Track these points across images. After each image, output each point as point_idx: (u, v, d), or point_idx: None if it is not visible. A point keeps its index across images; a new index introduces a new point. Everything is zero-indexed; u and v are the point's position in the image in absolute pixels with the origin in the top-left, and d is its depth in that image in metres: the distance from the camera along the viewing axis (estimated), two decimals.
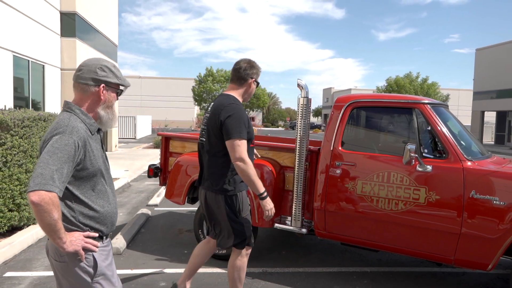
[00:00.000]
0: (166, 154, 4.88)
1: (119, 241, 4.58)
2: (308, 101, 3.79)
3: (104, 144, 2.04)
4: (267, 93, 49.13)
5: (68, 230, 1.69)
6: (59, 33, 10.93)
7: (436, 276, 4.04)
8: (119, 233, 4.88)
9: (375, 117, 3.76)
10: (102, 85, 1.82)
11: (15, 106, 8.58)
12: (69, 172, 1.65)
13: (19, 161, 4.52)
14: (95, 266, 1.77)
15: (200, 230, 4.33)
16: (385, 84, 35.76)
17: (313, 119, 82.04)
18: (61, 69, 11.08)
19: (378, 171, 3.43)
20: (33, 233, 4.72)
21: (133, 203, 7.07)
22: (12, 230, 4.74)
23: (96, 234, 1.78)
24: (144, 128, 28.93)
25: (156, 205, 6.79)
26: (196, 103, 35.42)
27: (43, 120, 4.88)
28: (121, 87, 1.92)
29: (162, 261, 4.21)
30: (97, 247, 1.77)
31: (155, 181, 9.15)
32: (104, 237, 1.85)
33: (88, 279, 1.76)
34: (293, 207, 3.84)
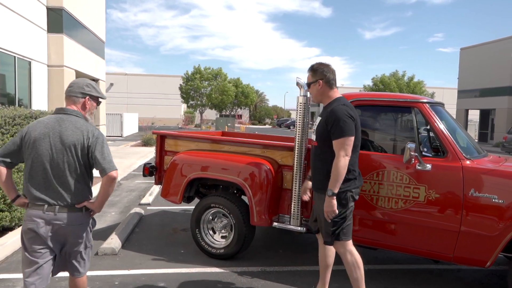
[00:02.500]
0: (161, 153, 4.82)
1: (114, 241, 4.51)
2: (307, 99, 3.78)
3: None
4: (255, 91, 49.07)
5: (84, 197, 2.46)
6: (46, 29, 10.70)
7: (432, 273, 4.09)
8: (113, 233, 4.81)
9: (375, 116, 3.79)
10: (87, 97, 2.51)
11: (0, 104, 8.39)
12: None
13: None
14: (94, 222, 2.61)
15: (197, 229, 4.30)
16: (372, 83, 36.11)
17: None
18: (48, 66, 10.86)
19: (377, 169, 3.44)
20: None
21: (125, 202, 6.99)
22: (3, 230, 4.63)
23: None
24: (131, 126, 28.62)
25: (148, 204, 6.72)
26: (184, 100, 35.13)
27: (34, 118, 4.76)
28: (100, 99, 2.62)
29: (160, 261, 4.17)
30: None
31: (146, 180, 9.06)
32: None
33: (90, 231, 2.57)
34: (292, 205, 3.83)
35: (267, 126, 61.47)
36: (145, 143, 17.29)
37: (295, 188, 3.80)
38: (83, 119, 2.47)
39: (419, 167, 3.27)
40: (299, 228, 3.84)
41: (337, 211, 2.87)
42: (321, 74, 3.03)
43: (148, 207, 6.52)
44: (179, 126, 43.26)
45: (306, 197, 3.44)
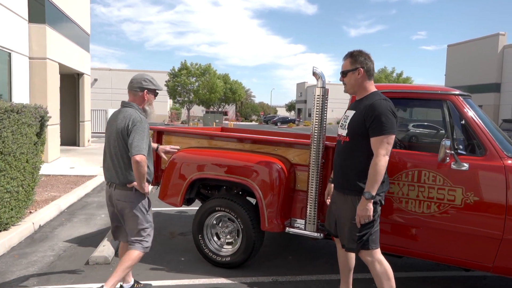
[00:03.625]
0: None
1: (106, 249, 4.06)
2: (325, 91, 3.41)
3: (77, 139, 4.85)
4: (243, 87, 48.58)
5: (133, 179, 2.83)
6: (27, 18, 10.05)
7: (455, 280, 3.78)
8: (105, 238, 4.36)
9: (401, 110, 3.43)
10: (145, 91, 2.95)
11: None
12: (148, 143, 2.80)
13: None
14: (149, 204, 3.03)
15: (200, 235, 3.89)
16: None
17: (287, 114, 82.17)
18: (30, 58, 10.20)
19: (406, 169, 3.09)
20: (4, 241, 4.13)
21: None
22: None
23: (149, 183, 2.94)
24: None
25: None
26: (171, 97, 34.37)
27: (16, 112, 4.27)
28: (157, 91, 3.06)
29: (159, 271, 3.75)
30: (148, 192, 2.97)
31: None
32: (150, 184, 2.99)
33: (145, 211, 2.98)
34: (308, 209, 3.46)
35: (253, 122, 61.06)
36: None
37: (312, 190, 3.43)
38: (134, 109, 2.89)
39: (454, 167, 2.93)
40: (315, 234, 3.47)
41: (372, 216, 2.57)
42: (361, 62, 2.73)
43: None
44: (165, 123, 42.52)
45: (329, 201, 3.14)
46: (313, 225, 3.47)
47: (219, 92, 32.80)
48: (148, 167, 2.84)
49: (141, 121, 2.79)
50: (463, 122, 3.03)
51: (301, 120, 60.32)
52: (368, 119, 2.59)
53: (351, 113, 2.79)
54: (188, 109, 34.37)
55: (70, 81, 14.47)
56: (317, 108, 3.40)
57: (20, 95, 9.75)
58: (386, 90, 3.25)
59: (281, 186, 3.54)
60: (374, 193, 2.53)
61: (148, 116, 2.98)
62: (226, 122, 36.79)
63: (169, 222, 5.38)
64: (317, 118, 3.40)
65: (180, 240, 4.66)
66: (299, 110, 74.26)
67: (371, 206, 2.55)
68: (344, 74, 2.80)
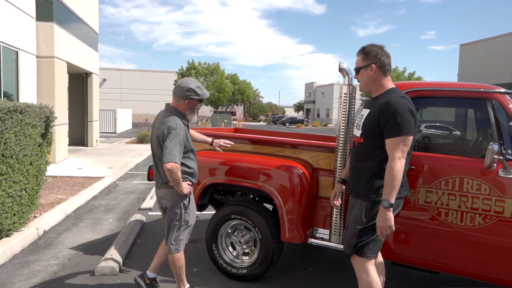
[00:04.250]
0: None
1: (113, 258, 3.79)
2: (352, 89, 3.10)
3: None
4: (251, 87, 48.28)
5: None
6: (35, 16, 9.86)
7: None
8: (112, 246, 4.10)
9: (439, 110, 3.11)
10: (187, 100, 2.97)
11: None
12: (182, 149, 2.86)
13: None
14: (188, 202, 3.02)
15: (214, 245, 3.61)
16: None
17: (295, 114, 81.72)
18: (37, 57, 10.02)
19: (446, 176, 2.77)
20: (6, 249, 3.89)
21: (123, 206, 6.26)
22: None
23: (190, 183, 3.00)
24: (124, 122, 27.73)
25: (150, 209, 6.00)
26: None
27: (19, 112, 4.03)
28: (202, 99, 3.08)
29: (170, 284, 3.47)
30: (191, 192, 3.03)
31: (144, 180, 8.33)
32: (192, 185, 3.05)
33: (183, 210, 3.00)
34: (333, 218, 3.16)
35: (261, 123, 60.74)
36: (141, 140, 16.53)
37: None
38: (173, 115, 2.94)
39: (502, 174, 2.61)
40: (341, 246, 3.16)
41: (393, 227, 2.29)
42: (374, 57, 2.45)
43: (149, 213, 5.81)
44: None
45: (338, 202, 2.89)
46: (338, 236, 3.17)
47: (227, 92, 32.48)
48: (190, 167, 3.00)
49: (176, 128, 2.84)
50: (511, 123, 2.70)
51: (309, 121, 59.87)
52: (382, 118, 2.33)
53: (366, 112, 2.52)
54: (197, 109, 34.14)
55: (79, 81, 14.30)
56: (343, 108, 3.10)
57: (28, 95, 9.57)
58: (418, 89, 2.94)
59: (303, 192, 3.24)
60: (392, 201, 2.25)
61: (191, 119, 3.08)
62: (235, 122, 36.51)
63: None
64: (343, 118, 3.09)
65: (192, 248, 4.38)
66: (308, 111, 73.81)
67: (391, 215, 2.26)
68: (357, 71, 2.55)
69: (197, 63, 33.52)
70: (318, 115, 68.42)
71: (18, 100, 9.15)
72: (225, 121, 31.19)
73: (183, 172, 2.93)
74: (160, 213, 5.77)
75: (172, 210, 3.01)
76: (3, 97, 8.56)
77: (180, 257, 3.08)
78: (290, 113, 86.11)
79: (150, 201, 6.26)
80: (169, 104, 3.05)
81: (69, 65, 11.60)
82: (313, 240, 3.28)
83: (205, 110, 50.67)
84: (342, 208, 3.11)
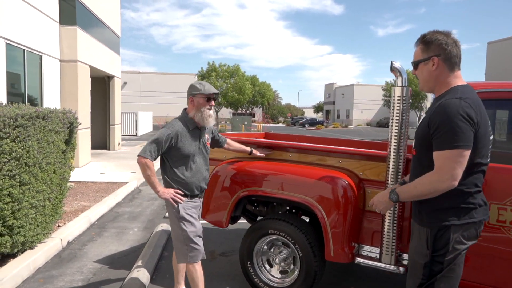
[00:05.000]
0: None
1: (141, 274, 3.55)
2: (407, 91, 2.76)
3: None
4: (271, 89, 47.96)
5: (167, 186, 2.86)
6: (58, 20, 9.83)
7: None
8: (139, 260, 3.86)
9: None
10: (190, 97, 2.91)
11: (8, 102, 7.53)
12: (160, 149, 2.75)
13: (11, 171, 3.47)
14: (178, 211, 2.83)
15: (249, 262, 3.31)
16: (395, 79, 34.61)
17: (314, 115, 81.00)
18: (61, 61, 9.98)
19: None
20: (29, 263, 3.69)
21: (148, 214, 6.04)
22: (3, 258, 3.72)
23: (182, 193, 2.84)
24: (145, 125, 27.85)
25: None
26: None
27: (41, 118, 3.84)
28: (207, 95, 2.88)
29: None
30: (182, 200, 2.83)
31: None
32: (190, 196, 2.89)
33: (176, 218, 2.85)
34: (384, 236, 2.82)
35: (280, 124, 60.36)
36: None
37: (389, 212, 2.78)
38: (180, 116, 2.92)
39: None
40: (393, 268, 2.82)
41: (385, 211, 2.17)
42: (438, 47, 1.96)
43: None
44: None
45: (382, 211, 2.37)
46: (390, 256, 2.82)
47: (248, 94, 32.25)
48: (179, 176, 2.82)
49: (164, 127, 2.81)
50: None
51: (329, 122, 59.13)
52: (432, 126, 1.86)
53: (423, 117, 2.09)
54: (217, 111, 34.03)
55: (101, 84, 14.30)
56: (397, 112, 2.75)
57: (51, 99, 9.52)
58: (494, 89, 2.57)
59: (349, 206, 2.91)
60: (401, 198, 2.00)
61: (201, 123, 2.89)
62: (255, 124, 36.25)
63: (207, 238, 4.82)
64: (396, 124, 2.75)
65: (222, 263, 4.10)
66: (327, 112, 73.01)
67: (388, 205, 2.11)
68: (415, 65, 2.08)
69: (218, 65, 33.41)
70: (338, 116, 67.57)
71: (42, 104, 9.10)
72: (245, 123, 30.98)
73: (172, 180, 2.84)
74: None
75: (170, 216, 2.92)
76: (27, 101, 8.51)
77: (190, 269, 2.93)
78: (309, 114, 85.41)
79: None
80: (185, 109, 3.00)
81: (92, 69, 11.56)
82: (361, 260, 2.95)
83: (225, 113, 50.63)
84: (395, 223, 2.77)
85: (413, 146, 2.11)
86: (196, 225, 2.88)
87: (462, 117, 1.77)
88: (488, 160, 1.93)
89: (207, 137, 3.03)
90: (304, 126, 49.33)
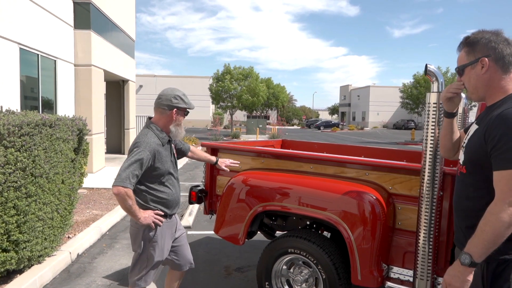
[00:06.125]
0: (212, 172, 3.62)
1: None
2: None
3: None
4: (285, 91, 47.68)
5: (143, 208, 2.51)
6: (72, 24, 9.78)
7: None
8: None
9: None
10: (175, 109, 2.61)
11: (23, 108, 7.46)
12: (140, 174, 2.43)
13: (16, 182, 3.30)
14: (154, 234, 2.56)
15: (267, 283, 3.06)
16: (412, 80, 34.03)
17: (329, 117, 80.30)
18: (75, 65, 9.93)
19: None
20: (36, 279, 3.51)
21: None
22: (9, 274, 3.55)
23: (162, 213, 2.58)
24: None
25: (189, 227, 5.55)
26: (214, 101, 34.04)
27: (48, 126, 3.66)
28: (188, 110, 2.70)
29: None
30: (162, 222, 2.57)
31: (182, 193, 7.94)
32: (169, 216, 2.66)
33: (147, 242, 2.56)
34: (418, 259, 2.53)
35: (295, 126, 59.96)
36: None
37: (424, 232, 2.50)
38: (151, 130, 2.58)
39: None
40: None
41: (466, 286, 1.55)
42: (485, 47, 1.68)
43: (189, 232, 5.35)
44: (208, 128, 42.49)
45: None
46: (426, 281, 2.53)
47: (262, 96, 32.04)
48: (159, 196, 2.57)
49: (140, 146, 2.44)
50: None
51: (345, 124, 58.48)
52: (490, 140, 1.57)
53: (474, 129, 1.77)
54: (231, 114, 33.85)
55: (115, 88, 14.26)
56: (432, 121, 2.46)
57: (65, 103, 9.46)
58: None
59: (378, 224, 2.64)
60: (477, 259, 1.52)
61: (174, 137, 2.69)
62: (270, 127, 36.01)
63: (222, 252, 4.60)
64: (432, 134, 2.47)
65: (238, 279, 3.85)
66: (343, 114, 72.27)
67: (469, 277, 1.55)
68: (460, 71, 1.80)
69: (232, 68, 33.33)
70: (353, 118, 66.79)
71: (56, 109, 9.04)
72: (260, 126, 30.76)
73: (152, 200, 2.54)
74: (200, 232, 5.36)
75: (133, 240, 2.61)
76: (42, 106, 8.45)
77: None
78: (324, 116, 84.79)
79: (189, 219, 5.81)
80: (150, 118, 2.67)
81: (106, 73, 11.49)
82: (391, 285, 2.67)
83: (239, 115, 50.53)
84: (431, 243, 2.48)
85: (461, 163, 1.82)
86: (164, 252, 2.64)
87: None
88: None
89: (174, 147, 2.81)
90: (319, 129, 48.83)
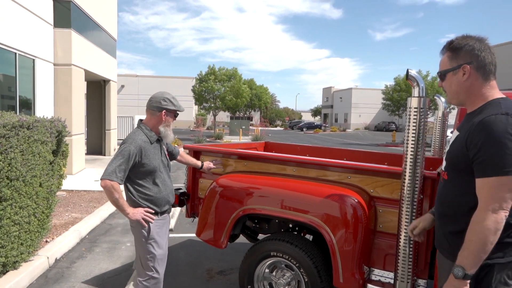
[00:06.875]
0: (194, 175, 3.59)
1: None
2: (425, 102, 2.50)
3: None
4: (268, 92, 47.78)
5: (134, 206, 2.63)
6: (52, 23, 9.57)
7: None
8: (130, 283, 3.59)
9: None
10: (164, 111, 2.71)
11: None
12: (127, 168, 2.54)
13: None
14: (148, 232, 2.66)
15: (250, 287, 3.05)
16: (393, 84, 34.57)
17: (312, 119, 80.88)
18: (55, 64, 9.71)
19: None
20: (11, 286, 3.40)
21: None
22: None
23: (152, 211, 2.66)
24: None
25: (171, 230, 5.48)
26: (197, 102, 33.81)
27: (26, 128, 3.56)
28: (178, 112, 2.81)
29: None
30: (153, 219, 2.66)
31: None
32: (159, 213, 2.73)
33: (144, 240, 2.66)
34: (399, 260, 2.56)
35: (278, 128, 60.13)
36: None
37: (404, 233, 2.53)
38: (141, 130, 2.69)
39: None
40: None
41: None
42: (468, 54, 1.69)
43: (171, 235, 5.28)
44: (191, 129, 42.20)
45: (420, 238, 2.19)
46: (406, 283, 2.56)
47: (245, 97, 31.99)
48: (147, 193, 2.65)
49: (127, 142, 2.58)
50: None
51: (327, 126, 58.98)
52: (472, 147, 1.59)
53: (455, 135, 1.81)
54: (214, 115, 33.69)
55: (96, 88, 14.02)
56: (413, 125, 2.50)
57: (44, 103, 9.25)
58: None
59: (359, 227, 2.66)
60: (470, 270, 1.53)
61: (164, 138, 2.78)
62: (253, 128, 35.99)
63: (204, 255, 4.57)
64: (413, 138, 2.50)
65: (221, 283, 3.83)
66: (325, 115, 72.88)
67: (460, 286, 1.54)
68: (442, 76, 1.81)
69: (217, 69, 33.18)
70: (336, 120, 67.42)
71: (34, 110, 8.83)
72: (243, 127, 30.73)
73: (141, 197, 2.65)
74: (182, 235, 5.31)
75: (135, 237, 2.73)
76: (19, 106, 8.24)
77: None
78: (307, 118, 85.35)
79: (171, 221, 5.74)
80: (141, 120, 2.80)
81: (87, 73, 11.29)
82: (373, 287, 2.69)
83: (223, 116, 50.37)
84: (411, 246, 2.51)
85: (443, 169, 1.84)
86: (163, 248, 2.75)
87: (511, 136, 1.49)
88: None
89: (165, 149, 2.92)
90: (302, 130, 49.11)
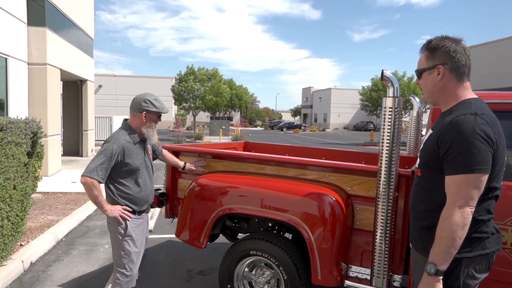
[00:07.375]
0: (174, 175, 3.57)
1: None
2: (399, 102, 2.57)
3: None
4: (248, 92, 47.83)
5: (113, 204, 2.66)
6: (26, 21, 9.32)
7: None
8: (109, 283, 3.54)
9: None
10: (144, 112, 2.70)
11: None
12: (108, 166, 2.56)
13: None
14: (125, 229, 2.68)
15: (229, 286, 3.06)
16: (370, 84, 35.11)
17: (292, 119, 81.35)
18: (29, 64, 9.46)
19: None
20: None
21: None
22: None
23: (130, 209, 2.69)
24: None
25: (150, 231, 5.43)
26: (177, 102, 33.52)
27: None
28: (160, 113, 2.79)
29: None
30: (131, 217, 2.68)
31: None
32: (137, 212, 2.75)
33: (120, 237, 2.68)
34: (375, 256, 2.62)
35: (258, 128, 60.23)
36: None
37: (381, 231, 2.59)
38: (123, 130, 2.71)
39: None
40: None
41: None
42: (444, 55, 1.74)
43: (149, 236, 5.23)
44: (170, 129, 41.82)
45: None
46: (382, 279, 2.62)
47: (225, 97, 31.92)
48: (126, 191, 2.67)
49: (109, 141, 2.61)
50: None
51: (307, 126, 59.45)
52: (442, 145, 1.64)
53: (429, 133, 1.87)
54: (194, 116, 33.48)
55: (73, 88, 13.74)
56: (388, 124, 2.56)
57: (18, 104, 9.00)
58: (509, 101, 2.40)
59: (337, 224, 2.71)
60: (442, 266, 1.57)
61: (148, 139, 2.78)
62: (233, 128, 35.96)
63: (183, 255, 4.55)
64: (388, 137, 2.56)
65: (201, 283, 3.82)
66: (305, 115, 73.44)
67: (438, 286, 1.59)
68: (418, 74, 1.87)
69: (197, 69, 32.97)
70: (315, 120, 68.02)
71: (7, 110, 8.58)
72: (223, 127, 30.66)
73: (120, 196, 2.67)
74: (161, 236, 5.27)
75: (111, 234, 2.75)
76: None
77: None
78: (287, 118, 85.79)
79: (150, 222, 5.70)
80: (126, 119, 2.81)
81: (63, 72, 11.05)
82: (350, 283, 2.75)
83: (203, 116, 50.13)
84: (387, 243, 2.58)
85: (417, 166, 1.90)
86: (139, 247, 2.77)
87: (479, 136, 1.55)
88: (502, 183, 1.74)
89: (149, 148, 2.94)
90: (282, 130, 49.35)
